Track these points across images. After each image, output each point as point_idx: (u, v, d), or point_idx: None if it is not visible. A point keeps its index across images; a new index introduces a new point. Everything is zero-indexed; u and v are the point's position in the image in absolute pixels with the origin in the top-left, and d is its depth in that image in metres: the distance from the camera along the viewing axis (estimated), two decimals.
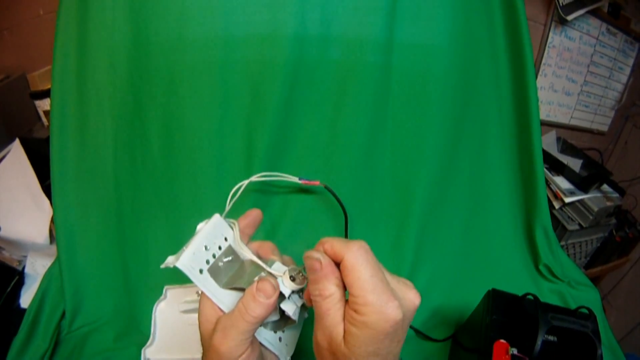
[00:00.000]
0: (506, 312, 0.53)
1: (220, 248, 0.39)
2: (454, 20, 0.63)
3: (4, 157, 0.81)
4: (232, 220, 0.41)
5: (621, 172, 1.19)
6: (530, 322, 0.49)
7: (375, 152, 0.65)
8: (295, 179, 0.57)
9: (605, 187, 1.03)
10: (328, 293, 0.32)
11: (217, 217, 0.40)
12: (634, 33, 1.13)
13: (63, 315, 0.62)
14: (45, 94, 0.96)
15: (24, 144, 0.81)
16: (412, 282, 0.75)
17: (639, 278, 1.25)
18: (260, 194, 0.63)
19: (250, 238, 0.43)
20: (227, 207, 0.44)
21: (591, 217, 0.95)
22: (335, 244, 0.33)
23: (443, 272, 0.70)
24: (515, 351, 0.48)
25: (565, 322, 0.49)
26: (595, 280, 1.30)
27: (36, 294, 0.62)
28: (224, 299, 0.37)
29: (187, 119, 0.60)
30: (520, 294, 0.55)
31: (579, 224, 0.97)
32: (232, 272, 0.39)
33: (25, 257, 0.73)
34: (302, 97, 0.61)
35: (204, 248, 0.37)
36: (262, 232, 0.42)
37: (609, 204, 0.98)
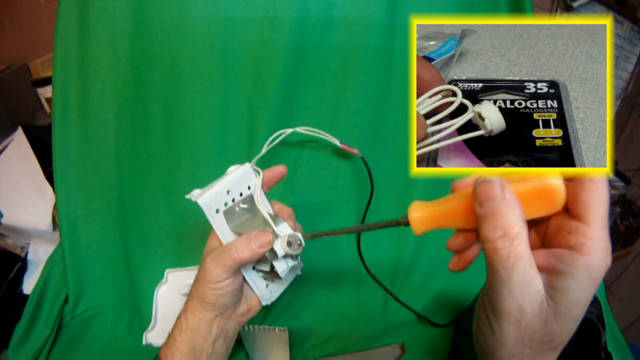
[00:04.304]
0: None
1: (241, 195, 0.42)
2: (455, 2, 0.62)
3: (7, 145, 0.82)
4: (259, 168, 0.44)
5: (627, 161, 1.18)
6: None
7: (378, 135, 0.64)
8: (336, 142, 0.58)
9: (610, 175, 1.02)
10: (515, 231, 0.23)
11: (247, 166, 0.43)
12: None
13: (66, 300, 0.62)
14: (47, 81, 0.96)
15: (27, 132, 0.82)
16: (414, 264, 0.72)
17: None
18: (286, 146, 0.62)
19: (269, 189, 0.45)
20: (263, 150, 0.49)
21: None
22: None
23: (447, 254, 0.69)
24: None
25: None
26: None
27: (39, 280, 0.63)
28: (230, 239, 0.41)
29: (189, 103, 0.60)
30: None
31: None
32: (245, 219, 0.43)
33: (28, 244, 0.74)
34: (304, 80, 0.60)
35: (226, 192, 0.41)
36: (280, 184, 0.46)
37: (613, 192, 0.97)
